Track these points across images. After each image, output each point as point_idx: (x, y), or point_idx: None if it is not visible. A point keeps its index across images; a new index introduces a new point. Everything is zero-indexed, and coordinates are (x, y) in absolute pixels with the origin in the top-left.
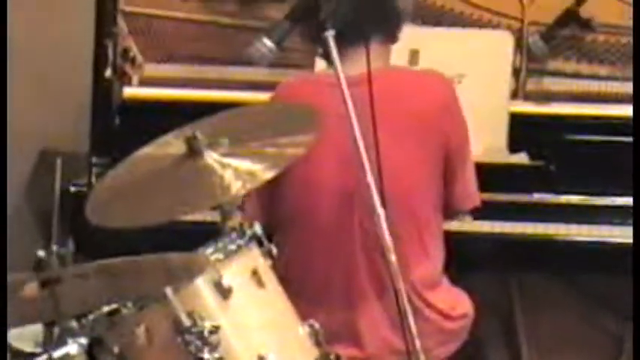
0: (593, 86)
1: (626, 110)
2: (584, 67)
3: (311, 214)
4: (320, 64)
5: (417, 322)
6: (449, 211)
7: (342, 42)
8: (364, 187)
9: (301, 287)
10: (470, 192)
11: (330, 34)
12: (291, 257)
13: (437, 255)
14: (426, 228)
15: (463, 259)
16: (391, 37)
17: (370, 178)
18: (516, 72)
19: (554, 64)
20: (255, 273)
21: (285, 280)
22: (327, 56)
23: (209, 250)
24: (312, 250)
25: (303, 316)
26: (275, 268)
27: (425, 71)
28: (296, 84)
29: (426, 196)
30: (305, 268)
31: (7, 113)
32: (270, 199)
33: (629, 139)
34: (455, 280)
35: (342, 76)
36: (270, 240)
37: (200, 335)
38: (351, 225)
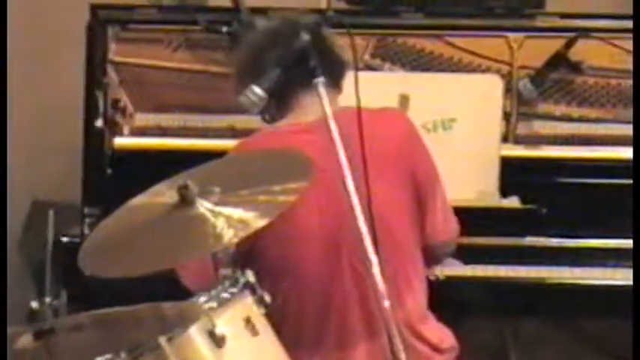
0: (584, 129)
1: (617, 152)
2: (574, 110)
3: (299, 265)
4: None
5: (408, 356)
6: (425, 250)
7: (294, 89)
8: (351, 231)
9: (296, 334)
10: (441, 223)
11: (320, 81)
12: (284, 306)
13: (421, 288)
14: (410, 263)
15: (456, 304)
16: (337, 86)
17: (361, 223)
18: (506, 116)
19: (544, 108)
20: (248, 321)
21: (280, 328)
22: (271, 120)
23: (202, 299)
24: (304, 299)
25: None
26: (269, 315)
27: (382, 108)
28: (260, 140)
29: (408, 230)
30: (299, 316)
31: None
32: (251, 253)
33: (620, 181)
34: (449, 326)
35: (331, 120)
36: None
37: None
38: (341, 270)
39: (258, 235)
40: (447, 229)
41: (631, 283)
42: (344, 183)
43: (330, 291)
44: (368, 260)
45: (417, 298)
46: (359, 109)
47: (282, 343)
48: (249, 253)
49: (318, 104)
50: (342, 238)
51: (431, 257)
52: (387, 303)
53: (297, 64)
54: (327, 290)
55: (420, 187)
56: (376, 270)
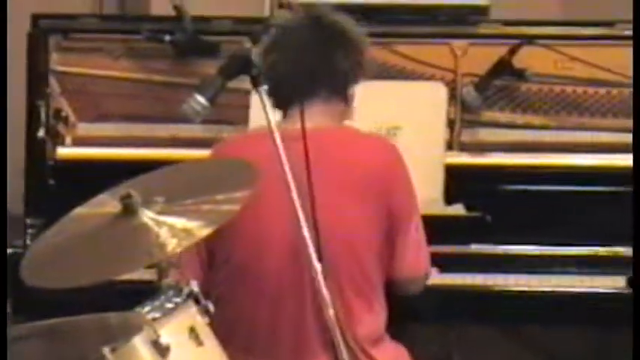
0: (528, 136)
1: (561, 159)
2: (519, 117)
3: (259, 271)
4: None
5: None
6: (392, 283)
7: (285, 98)
8: (313, 242)
9: (248, 342)
10: (410, 259)
11: (264, 89)
12: (238, 313)
13: (381, 311)
14: (371, 284)
15: (402, 311)
16: (337, 95)
17: (306, 232)
18: (451, 123)
19: (488, 115)
20: (192, 331)
21: (231, 336)
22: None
23: (146, 309)
24: (260, 306)
25: None
26: (215, 325)
27: (372, 134)
28: (233, 141)
29: (371, 252)
30: (253, 324)
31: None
32: (212, 257)
33: (565, 188)
34: (394, 333)
35: (275, 130)
36: (207, 297)
37: None
38: (301, 280)
39: (222, 236)
40: (414, 266)
41: (575, 289)
42: (310, 195)
43: (287, 300)
44: (313, 269)
45: (375, 320)
46: (302, 121)
47: (234, 350)
48: (210, 254)
49: (309, 115)
50: (302, 248)
51: (398, 291)
52: (331, 312)
53: (241, 73)
54: (284, 299)
55: (393, 220)
56: (321, 280)
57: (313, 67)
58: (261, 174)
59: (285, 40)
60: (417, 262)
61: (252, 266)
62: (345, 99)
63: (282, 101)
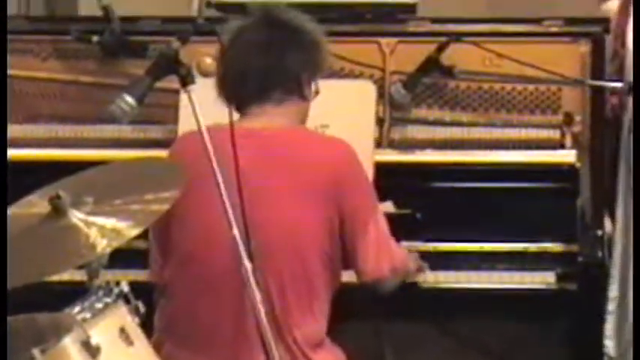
0: (457, 133)
1: (490, 156)
2: (447, 115)
3: (201, 265)
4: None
5: None
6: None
7: (240, 97)
8: (252, 239)
9: (188, 336)
10: (372, 261)
11: (191, 89)
12: (179, 305)
13: (322, 315)
14: (314, 287)
15: (334, 309)
16: (291, 95)
17: (236, 231)
18: (380, 121)
19: (417, 112)
20: (123, 331)
21: (172, 329)
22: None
23: (76, 310)
24: (201, 300)
25: None
26: (158, 317)
27: (325, 135)
28: (184, 138)
29: (316, 255)
30: (193, 318)
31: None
32: (162, 250)
33: (495, 184)
34: (327, 331)
35: (204, 129)
36: (137, 297)
37: None
38: (241, 278)
39: (170, 232)
40: (377, 267)
41: (505, 285)
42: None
43: (228, 296)
44: (244, 267)
45: (315, 323)
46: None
47: (172, 345)
48: (168, 244)
49: (264, 115)
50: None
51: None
52: (262, 311)
53: (169, 73)
54: (225, 295)
55: (347, 222)
56: (251, 279)
57: (266, 67)
58: (201, 170)
59: (240, 39)
60: (378, 264)
61: (196, 260)
62: (303, 97)
63: (239, 100)
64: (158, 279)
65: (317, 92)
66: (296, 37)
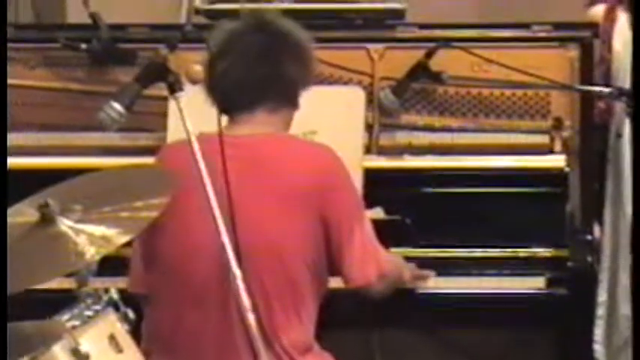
0: (446, 138)
1: (479, 161)
2: (436, 120)
3: (186, 274)
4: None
5: None
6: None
7: (233, 105)
8: (239, 247)
9: (172, 344)
10: (358, 267)
11: (180, 95)
12: (164, 314)
13: (309, 321)
14: (300, 294)
15: (324, 316)
16: (286, 102)
17: (225, 238)
18: (369, 127)
19: (406, 118)
20: (112, 338)
21: (156, 337)
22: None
23: (65, 317)
24: (185, 308)
25: None
26: (143, 325)
27: (315, 144)
28: (169, 147)
29: (301, 263)
30: (178, 326)
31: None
32: (147, 259)
33: (484, 189)
34: (317, 339)
35: (192, 136)
36: (127, 304)
37: None
38: (228, 285)
39: (156, 240)
40: (363, 274)
41: (495, 291)
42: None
43: (213, 304)
44: (232, 274)
45: (302, 330)
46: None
47: (158, 353)
48: (153, 254)
49: (254, 122)
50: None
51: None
52: (252, 318)
53: (158, 80)
54: (210, 303)
55: (332, 229)
56: (240, 286)
57: (264, 75)
58: (185, 180)
59: (234, 46)
60: (364, 270)
61: (180, 269)
62: (294, 106)
63: (230, 107)
64: (140, 288)
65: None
66: (293, 46)
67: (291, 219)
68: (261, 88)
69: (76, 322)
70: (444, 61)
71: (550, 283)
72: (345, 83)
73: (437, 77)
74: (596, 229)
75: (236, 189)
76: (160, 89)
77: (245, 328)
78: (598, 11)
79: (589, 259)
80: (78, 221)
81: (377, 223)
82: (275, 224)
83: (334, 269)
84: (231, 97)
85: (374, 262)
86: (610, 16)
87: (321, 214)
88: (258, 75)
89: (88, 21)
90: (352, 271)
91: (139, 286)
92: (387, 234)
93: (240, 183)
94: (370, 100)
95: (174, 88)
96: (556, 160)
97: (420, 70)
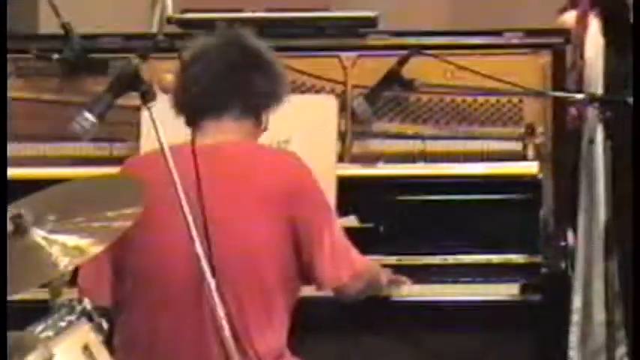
0: (419, 146)
1: (452, 169)
2: (409, 128)
3: (162, 282)
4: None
5: None
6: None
7: (199, 112)
8: (213, 255)
9: (149, 352)
10: (330, 271)
11: (152, 105)
12: (139, 323)
13: (282, 327)
14: (272, 300)
15: (298, 321)
16: (249, 114)
17: (199, 248)
18: (342, 135)
19: (378, 126)
20: (86, 348)
21: (132, 346)
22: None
23: (39, 328)
24: (161, 316)
25: None
26: (118, 334)
27: (281, 151)
28: (140, 157)
29: (272, 268)
30: (154, 334)
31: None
32: (116, 271)
33: (457, 197)
34: (293, 345)
35: (165, 146)
36: (103, 314)
37: None
38: (202, 292)
39: (129, 249)
40: (335, 275)
41: (469, 297)
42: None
43: (188, 311)
44: (206, 283)
45: (275, 336)
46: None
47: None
48: (115, 269)
49: (220, 130)
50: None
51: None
52: (226, 326)
53: (130, 90)
54: (185, 310)
55: (301, 235)
56: (214, 294)
57: (234, 86)
58: (156, 190)
59: (207, 56)
60: (335, 272)
61: (155, 277)
62: (258, 122)
63: (198, 112)
64: (104, 301)
65: (265, 128)
66: (264, 63)
67: (261, 225)
68: (228, 94)
69: (50, 333)
70: (417, 68)
71: (524, 289)
72: (318, 92)
73: (409, 85)
74: (570, 235)
75: (207, 197)
76: (133, 99)
77: (220, 335)
78: (570, 18)
79: (563, 265)
80: (51, 231)
81: (350, 231)
82: (243, 230)
83: (307, 275)
84: (199, 101)
85: (345, 262)
86: (582, 23)
87: (291, 218)
88: (227, 82)
89: (60, 31)
90: (324, 271)
91: (104, 298)
92: (361, 242)
93: (210, 191)
94: (343, 108)
95: (146, 97)
96: (529, 167)
97: (393, 78)
